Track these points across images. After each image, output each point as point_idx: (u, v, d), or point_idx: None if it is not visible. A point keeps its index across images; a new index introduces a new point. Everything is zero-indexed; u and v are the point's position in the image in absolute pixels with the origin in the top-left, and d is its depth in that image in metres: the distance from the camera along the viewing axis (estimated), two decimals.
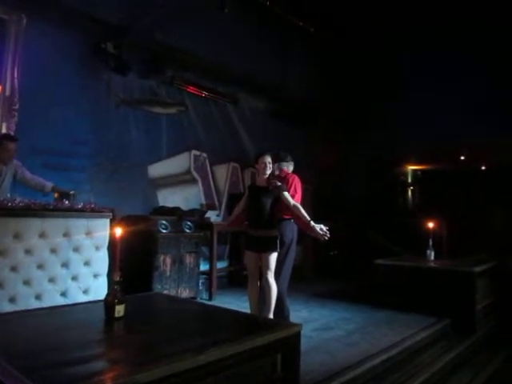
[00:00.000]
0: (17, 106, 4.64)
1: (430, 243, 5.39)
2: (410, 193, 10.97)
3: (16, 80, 4.67)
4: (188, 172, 6.73)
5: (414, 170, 11.00)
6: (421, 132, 7.91)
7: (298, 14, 7.38)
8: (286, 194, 3.96)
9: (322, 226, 3.87)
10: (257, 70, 7.15)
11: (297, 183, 4.35)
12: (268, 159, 4.00)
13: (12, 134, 4.50)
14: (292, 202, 3.96)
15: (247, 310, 3.99)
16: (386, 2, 7.33)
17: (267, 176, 4.01)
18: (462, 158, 9.10)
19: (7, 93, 4.64)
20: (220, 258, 6.47)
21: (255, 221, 3.95)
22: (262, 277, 3.92)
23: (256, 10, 6.89)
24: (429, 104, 7.91)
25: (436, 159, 9.64)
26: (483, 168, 9.85)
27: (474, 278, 4.83)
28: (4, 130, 4.56)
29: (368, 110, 8.66)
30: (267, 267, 3.86)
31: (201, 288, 5.68)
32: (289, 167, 4.54)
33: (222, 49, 6.55)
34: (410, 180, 11.00)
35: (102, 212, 3.73)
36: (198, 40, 6.23)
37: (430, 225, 5.45)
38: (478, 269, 4.94)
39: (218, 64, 6.69)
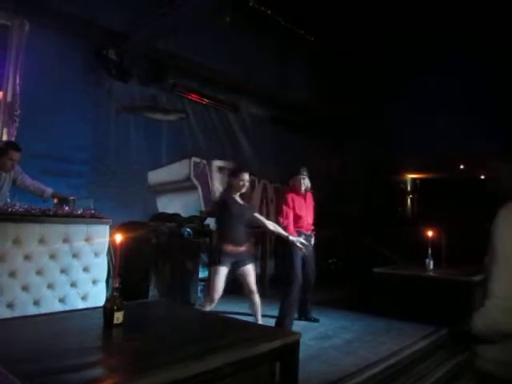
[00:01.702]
0: (18, 112, 4.65)
1: (429, 252, 5.39)
2: (409, 201, 10.97)
3: (18, 86, 4.69)
4: (188, 179, 6.74)
5: (414, 179, 11.01)
6: (420, 140, 7.93)
7: (298, 22, 7.44)
8: (257, 215, 4.11)
9: (301, 239, 4.06)
10: (257, 77, 7.20)
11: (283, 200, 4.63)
12: (248, 177, 3.95)
13: (13, 139, 4.51)
14: (266, 222, 4.10)
15: (246, 317, 3.98)
16: (387, 8, 7.36)
17: (241, 193, 3.97)
18: (462, 167, 9.12)
19: (8, 99, 4.66)
20: None
21: (237, 237, 3.86)
22: (252, 292, 3.93)
23: (256, 19, 6.94)
24: (429, 112, 7.94)
25: (435, 168, 9.66)
26: (482, 177, 9.86)
27: (473, 287, 4.82)
28: (5, 136, 4.58)
29: (367, 117, 8.69)
30: (253, 280, 3.93)
31: (200, 295, 5.67)
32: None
33: (223, 56, 6.59)
34: (409, 188, 11.01)
35: (101, 218, 3.74)
36: (198, 48, 6.27)
37: (429, 233, 5.45)
38: (476, 278, 4.94)
39: (219, 71, 6.73)
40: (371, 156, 8.72)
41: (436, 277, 5.09)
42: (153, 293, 4.91)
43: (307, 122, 8.55)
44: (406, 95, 8.20)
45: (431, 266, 5.35)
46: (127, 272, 3.84)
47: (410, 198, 10.96)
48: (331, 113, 8.70)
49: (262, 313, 4.00)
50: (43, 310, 3.25)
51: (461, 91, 7.64)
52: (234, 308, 5.30)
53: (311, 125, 8.62)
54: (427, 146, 7.88)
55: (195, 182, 6.83)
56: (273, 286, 6.54)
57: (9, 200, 3.73)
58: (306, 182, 4.83)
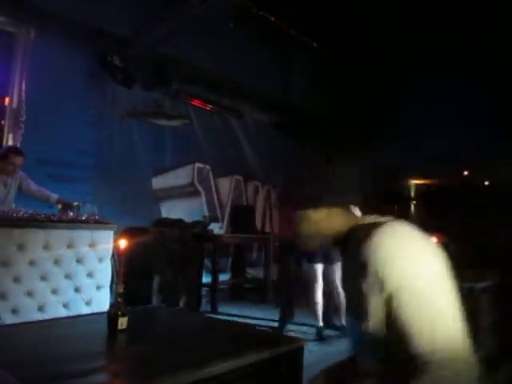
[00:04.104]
0: (23, 118, 4.69)
1: None
2: (412, 207, 10.95)
3: (23, 92, 4.73)
4: (191, 184, 6.76)
5: (418, 185, 10.99)
6: (424, 146, 7.92)
7: (301, 28, 7.47)
8: None
9: None
10: (260, 83, 7.22)
11: None
12: None
13: (18, 145, 4.54)
14: None
15: (251, 322, 4.01)
16: (390, 11, 7.37)
17: None
18: (466, 173, 9.10)
19: (14, 104, 4.69)
20: (222, 271, 6.46)
21: None
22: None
23: (260, 25, 6.97)
24: (431, 118, 7.93)
25: (439, 174, 9.65)
26: (486, 183, 9.84)
27: (477, 294, 4.79)
28: (10, 141, 4.61)
29: (370, 122, 8.69)
30: None
31: (203, 301, 5.67)
32: None
33: (227, 62, 6.62)
34: (413, 194, 10.99)
35: (105, 224, 3.75)
36: (202, 53, 6.31)
37: (433, 239, 5.43)
38: (480, 285, 4.91)
39: (223, 77, 6.76)
40: (375, 162, 8.70)
41: None
42: (156, 298, 4.92)
43: (310, 128, 8.56)
44: (410, 101, 8.21)
45: None
46: (130, 278, 3.85)
47: (414, 204, 10.94)
48: (334, 119, 8.71)
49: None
50: (47, 315, 3.26)
51: (465, 97, 7.64)
52: (239, 314, 5.30)
53: (314, 130, 8.63)
54: (431, 151, 7.87)
55: (199, 187, 6.84)
56: (276, 292, 6.52)
57: (13, 206, 3.75)
58: None
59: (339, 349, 4.05)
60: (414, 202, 10.91)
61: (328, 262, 4.50)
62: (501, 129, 7.26)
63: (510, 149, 6.98)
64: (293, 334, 4.20)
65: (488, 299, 5.14)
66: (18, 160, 3.95)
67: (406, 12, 7.33)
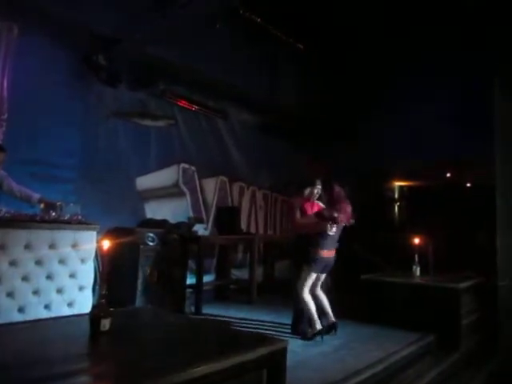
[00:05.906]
0: (5, 116, 4.60)
1: (416, 259, 5.43)
2: (396, 208, 11.06)
3: (5, 90, 4.65)
4: (176, 185, 6.73)
5: (401, 186, 11.10)
6: (407, 148, 8.00)
7: (287, 30, 7.50)
8: None
9: None
10: (247, 84, 7.21)
11: None
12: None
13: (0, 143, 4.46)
14: None
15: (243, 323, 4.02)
16: (376, 14, 7.40)
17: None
18: (448, 175, 9.23)
19: None
20: (207, 272, 6.44)
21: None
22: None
23: (246, 26, 6.97)
24: (415, 121, 8.02)
25: (422, 176, 9.76)
26: (468, 185, 9.99)
27: (459, 294, 4.87)
28: None
29: (355, 125, 8.76)
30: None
31: (187, 302, 5.64)
32: None
33: (213, 63, 6.60)
34: (396, 196, 11.10)
35: (88, 224, 3.71)
36: (188, 54, 6.27)
37: (416, 241, 5.50)
38: (462, 285, 4.99)
39: (209, 78, 6.74)
40: (359, 163, 8.78)
41: (423, 284, 5.13)
42: (140, 300, 4.88)
43: (296, 129, 8.59)
44: (394, 103, 8.29)
45: (418, 273, 5.39)
46: (114, 279, 3.81)
47: (398, 206, 11.05)
48: (320, 120, 8.75)
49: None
50: (28, 316, 3.21)
51: (449, 99, 7.74)
52: (223, 316, 5.29)
53: (300, 132, 8.67)
54: (415, 154, 7.96)
55: (184, 188, 6.81)
56: (261, 293, 6.54)
57: None
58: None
59: (323, 350, 4.08)
60: (398, 203, 11.03)
61: (324, 270, 4.63)
62: (484, 132, 7.36)
63: (491, 151, 7.10)
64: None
65: (470, 299, 5.23)
66: (1, 156, 3.89)
67: (395, 12, 7.35)
